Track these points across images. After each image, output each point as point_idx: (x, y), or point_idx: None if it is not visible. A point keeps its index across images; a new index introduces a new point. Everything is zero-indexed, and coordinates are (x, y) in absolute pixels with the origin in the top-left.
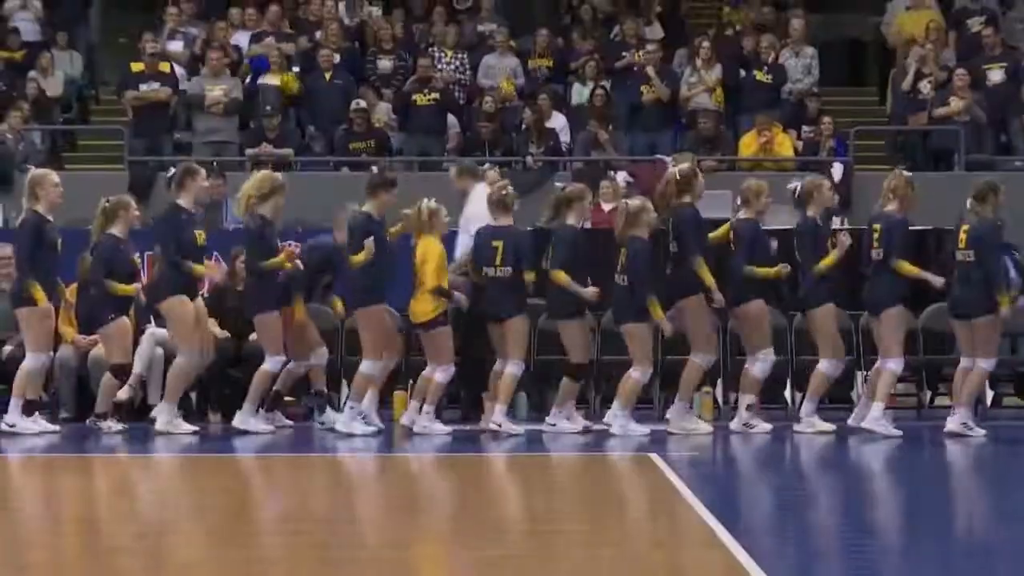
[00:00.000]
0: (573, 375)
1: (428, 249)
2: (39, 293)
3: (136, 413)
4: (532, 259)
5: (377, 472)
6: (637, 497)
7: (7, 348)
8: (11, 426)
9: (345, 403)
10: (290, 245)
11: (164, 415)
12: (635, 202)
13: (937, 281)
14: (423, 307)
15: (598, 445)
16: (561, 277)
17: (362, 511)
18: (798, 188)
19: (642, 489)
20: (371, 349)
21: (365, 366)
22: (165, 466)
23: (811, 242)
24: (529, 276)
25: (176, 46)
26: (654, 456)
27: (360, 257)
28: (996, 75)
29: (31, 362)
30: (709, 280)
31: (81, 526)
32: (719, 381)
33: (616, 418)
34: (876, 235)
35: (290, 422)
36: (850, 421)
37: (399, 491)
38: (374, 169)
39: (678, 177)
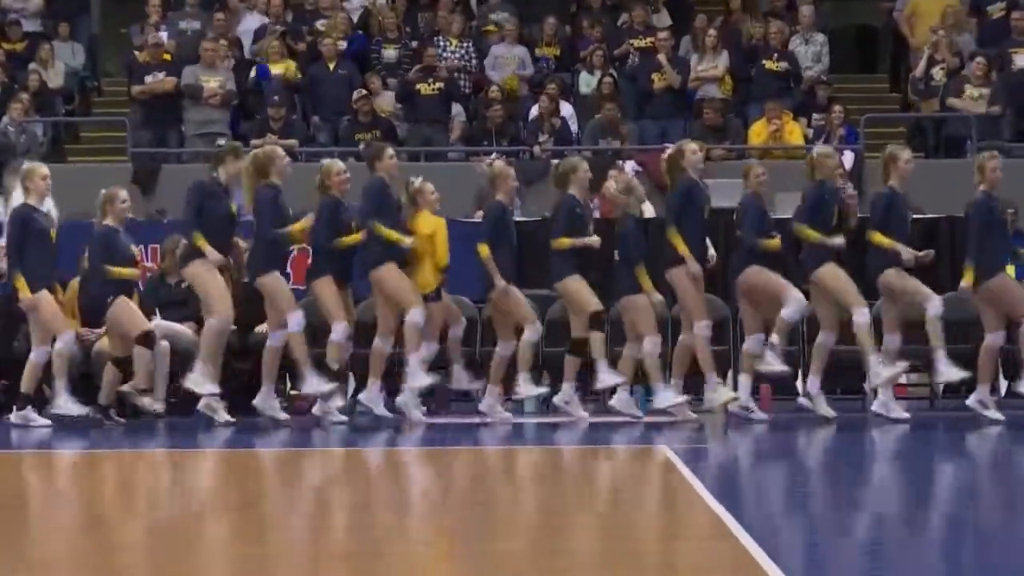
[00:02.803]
0: (573, 351)
1: (437, 226)
2: (22, 285)
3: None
4: (485, 239)
5: (381, 466)
6: (647, 489)
7: (16, 344)
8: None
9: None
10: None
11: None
12: (620, 183)
13: (906, 252)
14: (425, 280)
15: (607, 437)
16: (563, 242)
17: (371, 505)
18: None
19: (652, 481)
20: (412, 296)
21: (412, 315)
22: (172, 461)
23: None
24: (482, 249)
25: (161, 37)
26: (663, 447)
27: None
28: (1021, 59)
29: (35, 357)
30: (683, 248)
31: (89, 522)
32: (729, 371)
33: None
34: None
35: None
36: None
37: (408, 484)
38: (363, 146)
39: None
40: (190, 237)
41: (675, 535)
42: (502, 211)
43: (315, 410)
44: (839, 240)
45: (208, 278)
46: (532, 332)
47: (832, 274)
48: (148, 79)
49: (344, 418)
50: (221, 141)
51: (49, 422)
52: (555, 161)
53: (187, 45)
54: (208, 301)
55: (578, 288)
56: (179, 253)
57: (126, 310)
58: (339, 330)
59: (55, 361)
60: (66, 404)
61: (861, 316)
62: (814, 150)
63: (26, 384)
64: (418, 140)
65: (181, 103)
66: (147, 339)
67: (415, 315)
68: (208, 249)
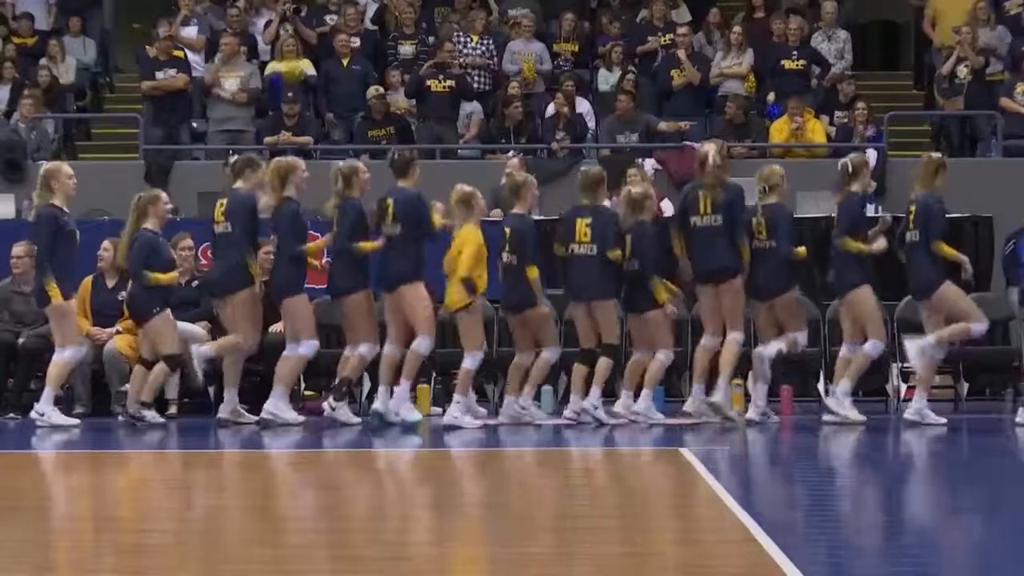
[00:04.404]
0: (611, 355)
1: (466, 237)
2: (54, 290)
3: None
4: (531, 261)
5: (402, 468)
6: (666, 492)
7: (20, 339)
8: (41, 415)
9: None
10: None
11: (227, 404)
12: (637, 189)
13: (969, 267)
14: (458, 295)
15: (625, 438)
16: (616, 255)
17: (388, 508)
18: (848, 164)
19: (671, 484)
20: (427, 325)
21: (420, 344)
22: (184, 461)
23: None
24: (531, 272)
25: (190, 32)
26: (683, 450)
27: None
28: None
29: (70, 355)
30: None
31: (100, 523)
32: (750, 373)
33: (640, 402)
34: (910, 216)
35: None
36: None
37: (424, 487)
38: (392, 154)
39: (717, 160)
40: (241, 255)
41: (695, 538)
42: (534, 226)
43: (326, 412)
44: (880, 244)
45: (252, 306)
46: (553, 353)
47: (865, 298)
48: (159, 75)
49: (357, 420)
50: (233, 157)
51: (75, 421)
52: (583, 169)
53: (216, 41)
54: (242, 328)
55: (615, 317)
56: (222, 264)
57: (168, 325)
58: (369, 350)
59: (55, 369)
60: (51, 411)
61: (874, 348)
62: (850, 158)
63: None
64: (428, 137)
65: (192, 100)
66: (175, 361)
67: (424, 344)
68: (258, 279)
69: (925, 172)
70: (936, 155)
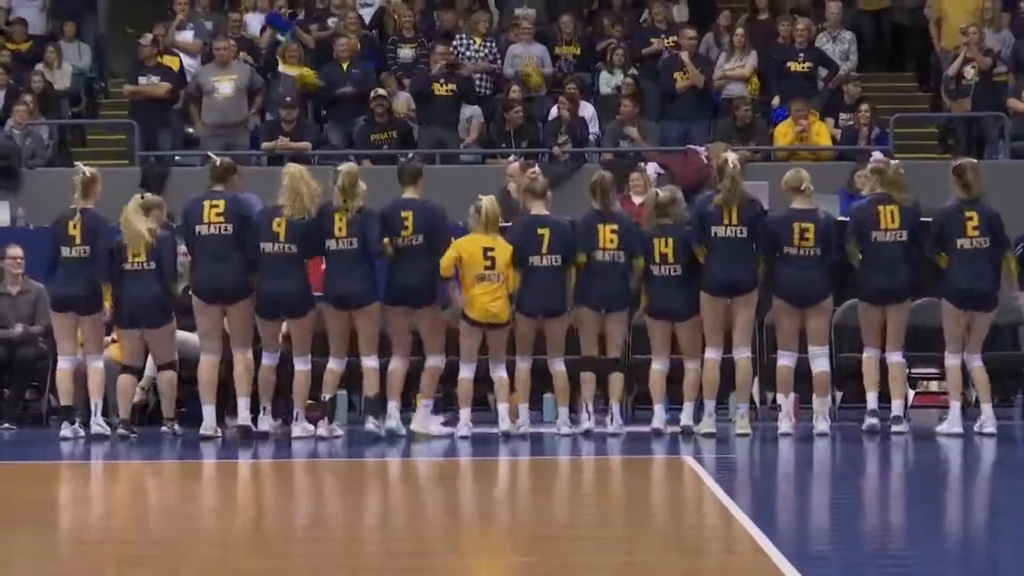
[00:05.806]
0: (621, 369)
1: (508, 251)
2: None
3: (148, 418)
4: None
5: (403, 478)
6: (672, 501)
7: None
8: (100, 426)
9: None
10: None
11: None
12: (666, 193)
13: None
14: (505, 307)
15: (630, 447)
16: (640, 263)
17: (388, 518)
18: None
19: (677, 492)
20: (438, 343)
21: (439, 361)
22: (182, 472)
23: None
24: (580, 259)
25: (186, 36)
26: (687, 458)
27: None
28: None
29: (101, 364)
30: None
31: (97, 535)
32: (755, 380)
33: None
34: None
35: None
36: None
37: (426, 496)
38: (405, 158)
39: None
40: (245, 261)
41: (702, 548)
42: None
43: (321, 431)
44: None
45: (248, 317)
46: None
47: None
48: (142, 80)
49: (340, 432)
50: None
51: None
52: (601, 174)
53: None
54: (247, 337)
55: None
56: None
57: (174, 333)
58: (341, 365)
59: (95, 381)
60: (100, 423)
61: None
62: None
63: (70, 396)
64: (430, 142)
65: (172, 107)
66: (173, 367)
67: (441, 361)
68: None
69: (977, 178)
70: (974, 160)
